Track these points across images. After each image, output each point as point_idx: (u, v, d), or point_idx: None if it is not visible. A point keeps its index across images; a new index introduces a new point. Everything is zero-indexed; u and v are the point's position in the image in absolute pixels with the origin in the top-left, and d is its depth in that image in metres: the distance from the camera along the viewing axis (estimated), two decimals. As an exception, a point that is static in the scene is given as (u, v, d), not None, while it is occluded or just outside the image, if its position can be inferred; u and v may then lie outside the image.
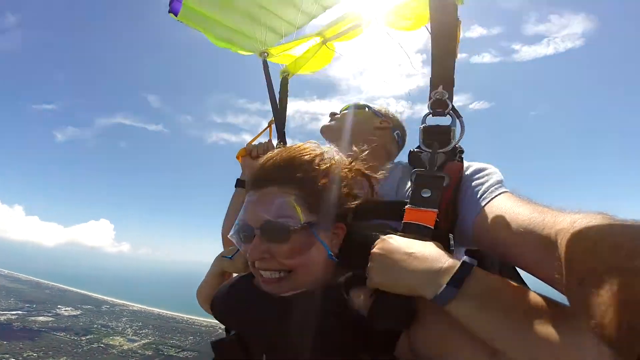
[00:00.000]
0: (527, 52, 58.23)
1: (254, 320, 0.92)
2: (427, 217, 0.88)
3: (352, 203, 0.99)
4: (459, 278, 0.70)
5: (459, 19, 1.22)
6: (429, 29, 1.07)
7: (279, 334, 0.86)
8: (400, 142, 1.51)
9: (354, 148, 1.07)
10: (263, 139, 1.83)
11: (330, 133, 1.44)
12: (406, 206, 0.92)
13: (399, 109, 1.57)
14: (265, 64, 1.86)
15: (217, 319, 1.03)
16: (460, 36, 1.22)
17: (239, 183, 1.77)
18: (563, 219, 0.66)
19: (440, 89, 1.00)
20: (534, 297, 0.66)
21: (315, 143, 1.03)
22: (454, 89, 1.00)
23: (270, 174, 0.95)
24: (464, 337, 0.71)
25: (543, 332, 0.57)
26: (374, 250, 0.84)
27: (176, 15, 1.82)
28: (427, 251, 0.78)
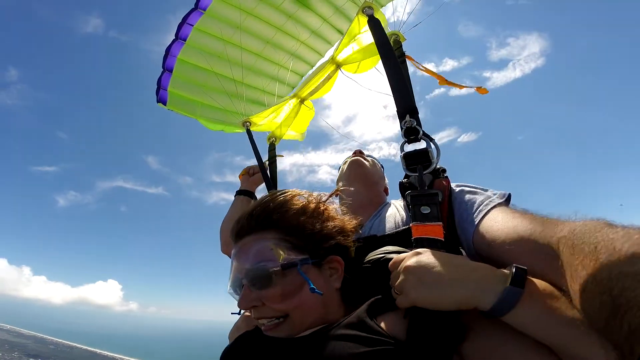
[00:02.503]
0: (498, 78, 60.19)
1: None
2: (436, 230, 0.87)
3: (346, 238, 0.96)
4: (520, 278, 0.65)
5: (405, 53, 1.43)
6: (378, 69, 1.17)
7: None
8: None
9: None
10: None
11: (365, 169, 1.54)
12: (411, 224, 0.91)
13: (392, 152, 1.69)
14: (249, 133, 1.95)
15: None
16: (416, 67, 1.46)
17: (238, 192, 2.06)
18: (562, 227, 0.65)
19: (407, 117, 1.08)
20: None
21: (293, 189, 1.03)
22: (421, 116, 1.08)
23: (247, 223, 0.93)
24: (521, 348, 0.66)
25: (592, 337, 0.57)
26: (408, 263, 0.77)
27: (165, 104, 1.93)
28: (468, 261, 0.74)
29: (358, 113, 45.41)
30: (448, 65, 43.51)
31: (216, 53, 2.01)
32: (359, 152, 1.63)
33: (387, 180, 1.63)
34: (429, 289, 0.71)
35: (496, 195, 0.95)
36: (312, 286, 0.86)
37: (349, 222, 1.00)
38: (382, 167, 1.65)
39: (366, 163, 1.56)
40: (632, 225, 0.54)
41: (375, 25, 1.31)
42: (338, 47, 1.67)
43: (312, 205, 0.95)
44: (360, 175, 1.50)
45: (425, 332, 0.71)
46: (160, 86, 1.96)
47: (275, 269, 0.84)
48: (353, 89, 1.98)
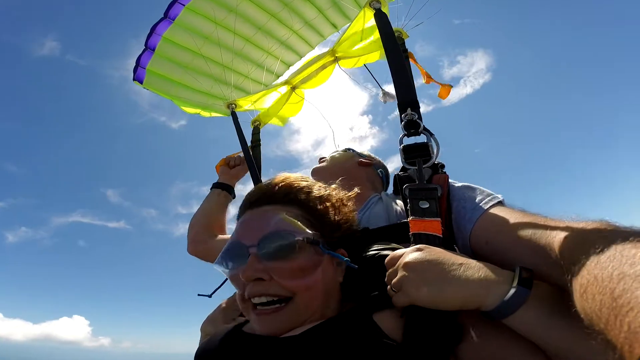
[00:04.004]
0: (452, 95, 66.14)
1: None
2: (434, 226, 0.85)
3: (350, 231, 0.93)
4: (527, 279, 0.62)
5: (407, 49, 1.50)
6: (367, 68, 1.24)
7: None
8: (385, 180, 1.58)
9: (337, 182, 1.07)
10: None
11: (320, 173, 1.51)
12: (409, 218, 0.89)
13: None
14: (235, 116, 1.86)
15: None
16: (415, 64, 1.52)
17: (215, 185, 1.86)
18: (563, 227, 0.65)
19: (408, 110, 1.07)
20: None
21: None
22: (383, 135, 1.10)
23: (269, 194, 0.88)
24: (520, 352, 0.63)
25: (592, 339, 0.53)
26: (409, 259, 0.73)
27: (141, 83, 1.86)
28: (471, 259, 0.71)
29: (326, 136, 47.23)
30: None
31: (205, 34, 1.93)
32: (320, 160, 1.60)
33: (377, 160, 1.59)
34: (431, 287, 0.67)
35: (492, 196, 0.94)
36: (346, 259, 0.83)
37: (355, 217, 0.99)
38: (360, 154, 1.59)
39: (320, 166, 1.54)
40: (633, 227, 0.55)
41: (382, 18, 1.32)
42: (339, 40, 1.66)
43: (336, 196, 0.94)
44: (324, 178, 1.38)
45: (423, 333, 0.67)
46: (139, 64, 1.87)
47: (299, 239, 0.78)
48: (318, 114, 2.02)
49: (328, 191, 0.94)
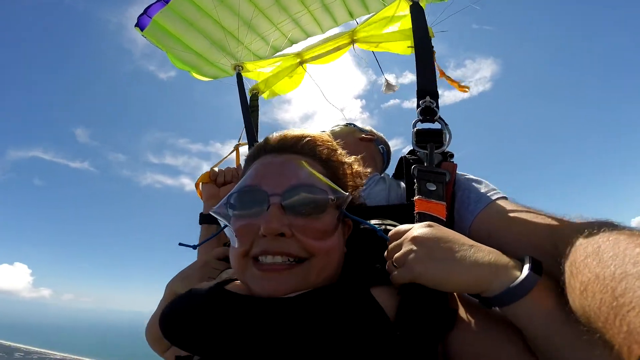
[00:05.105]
0: (448, 97, 68.40)
1: (237, 331, 0.61)
2: (439, 209, 0.85)
3: (352, 204, 0.88)
4: (538, 267, 0.60)
5: (432, 47, 1.48)
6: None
7: (276, 349, 0.58)
8: (385, 157, 1.57)
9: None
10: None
11: None
12: (415, 197, 0.89)
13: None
14: (240, 78, 1.85)
15: (171, 340, 0.68)
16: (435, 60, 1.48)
17: (205, 219, 1.37)
18: (567, 225, 0.65)
19: (427, 98, 1.10)
20: None
21: None
22: (374, 123, 1.13)
23: (295, 143, 0.80)
24: (510, 351, 0.61)
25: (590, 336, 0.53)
26: (418, 234, 0.68)
27: (142, 30, 1.82)
28: (481, 244, 0.68)
29: (316, 112, 46.10)
30: (407, 78, 47.97)
31: None
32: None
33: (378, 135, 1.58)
34: (438, 264, 0.64)
35: (497, 191, 0.95)
36: (380, 229, 0.77)
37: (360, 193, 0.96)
38: (361, 129, 1.56)
39: None
40: (636, 227, 0.55)
41: (419, 12, 1.36)
42: (361, 24, 1.69)
43: (356, 167, 0.89)
44: None
45: (418, 314, 0.63)
46: (146, 13, 1.82)
47: (331, 198, 0.73)
48: (313, 88, 2.01)
49: (350, 160, 0.89)
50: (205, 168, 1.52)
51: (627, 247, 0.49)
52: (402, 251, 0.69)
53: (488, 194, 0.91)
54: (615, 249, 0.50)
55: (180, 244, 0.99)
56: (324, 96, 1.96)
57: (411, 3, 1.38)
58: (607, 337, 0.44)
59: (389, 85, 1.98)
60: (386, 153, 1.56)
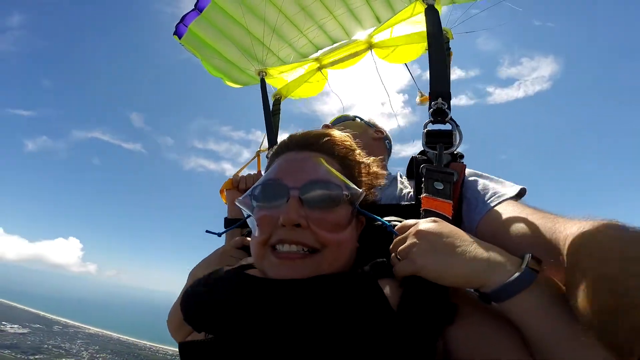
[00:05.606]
0: (499, 95, 64.54)
1: (252, 307, 0.66)
2: (445, 207, 0.87)
3: (366, 202, 0.91)
4: (537, 263, 0.62)
5: (450, 48, 1.49)
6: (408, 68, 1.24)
7: (281, 328, 0.63)
8: (389, 152, 1.64)
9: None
10: (250, 171, 1.72)
11: None
12: (422, 195, 0.91)
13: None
14: (263, 83, 1.94)
15: (190, 320, 0.73)
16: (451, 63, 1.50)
17: (230, 223, 1.38)
18: (572, 226, 0.65)
19: (439, 100, 1.11)
20: None
21: None
22: (413, 118, 1.11)
23: (316, 142, 0.86)
24: (510, 345, 0.62)
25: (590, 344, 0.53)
26: (422, 228, 0.72)
27: (180, 38, 1.96)
28: (483, 241, 0.71)
29: (354, 105, 44.89)
30: (454, 74, 44.44)
31: (251, 6, 1.99)
32: (325, 127, 1.50)
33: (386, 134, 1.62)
34: (439, 257, 0.67)
35: (511, 188, 0.95)
36: (388, 224, 0.82)
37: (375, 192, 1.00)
38: (369, 124, 1.60)
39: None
40: None
41: (433, 15, 1.32)
42: (378, 28, 1.67)
43: (374, 169, 0.94)
44: None
45: (419, 307, 0.66)
46: (183, 21, 1.96)
47: (346, 193, 0.78)
48: (351, 79, 2.01)
49: (369, 161, 0.94)
50: (245, 155, 1.66)
51: (630, 248, 0.49)
52: (406, 244, 0.73)
53: (496, 196, 0.92)
54: (619, 249, 0.51)
55: (207, 231, 1.08)
56: (381, 84, 1.87)
57: (426, 6, 1.37)
58: (608, 336, 0.44)
59: (423, 98, 1.96)
60: (390, 147, 1.64)
